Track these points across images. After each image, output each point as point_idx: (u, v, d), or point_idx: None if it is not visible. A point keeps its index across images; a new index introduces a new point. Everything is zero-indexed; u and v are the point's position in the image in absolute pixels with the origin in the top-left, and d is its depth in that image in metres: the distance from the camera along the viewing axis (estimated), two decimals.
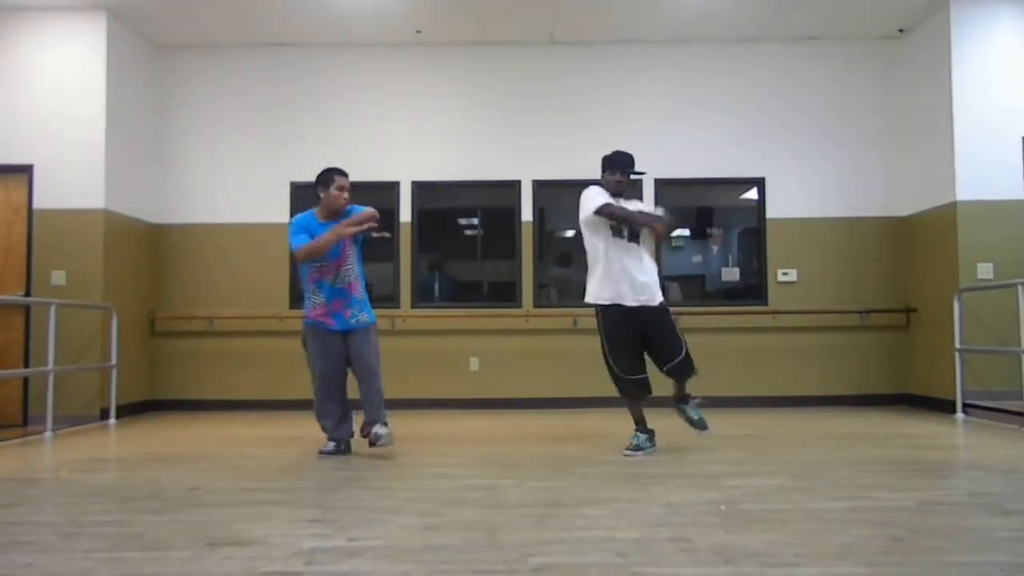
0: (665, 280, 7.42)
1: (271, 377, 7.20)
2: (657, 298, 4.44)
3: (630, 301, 4.38)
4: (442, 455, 4.57)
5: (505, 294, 7.43)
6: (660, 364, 4.45)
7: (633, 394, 4.47)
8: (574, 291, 6.68)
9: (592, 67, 7.47)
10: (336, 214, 4.52)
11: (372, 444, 4.42)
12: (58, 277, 6.46)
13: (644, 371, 4.45)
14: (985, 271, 6.41)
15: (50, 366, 5.79)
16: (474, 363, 7.28)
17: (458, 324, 7.25)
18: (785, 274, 7.31)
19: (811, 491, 3.42)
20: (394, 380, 7.11)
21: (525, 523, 2.87)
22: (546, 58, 7.49)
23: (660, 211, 4.60)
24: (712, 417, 6.11)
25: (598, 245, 4.47)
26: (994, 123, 6.50)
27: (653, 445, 4.52)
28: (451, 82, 7.54)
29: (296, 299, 7.27)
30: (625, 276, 4.39)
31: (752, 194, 7.51)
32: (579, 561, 2.39)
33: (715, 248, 7.76)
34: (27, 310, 6.41)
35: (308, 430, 4.86)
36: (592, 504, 3.19)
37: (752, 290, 7.46)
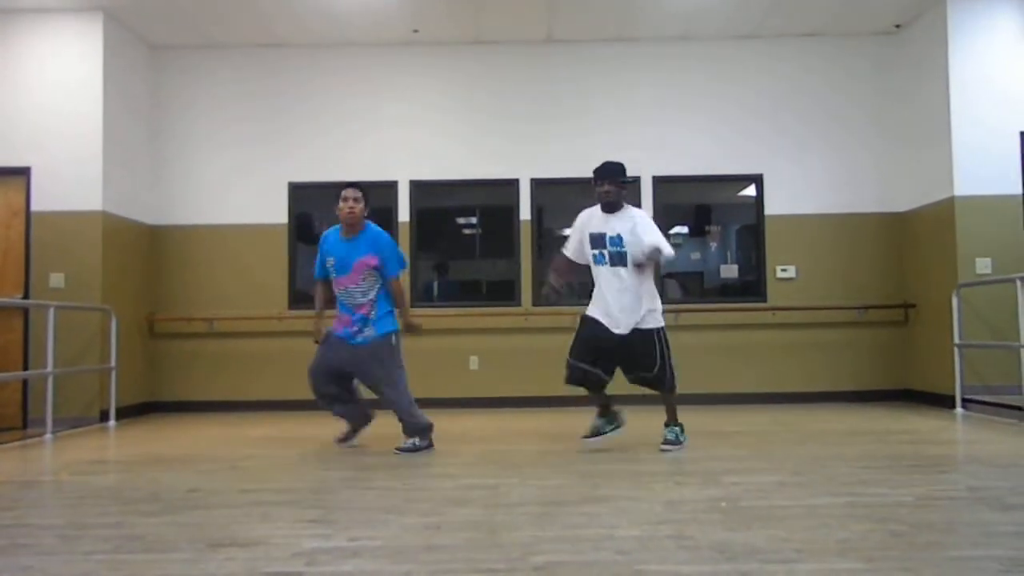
0: (664, 278, 7.47)
1: (271, 378, 7.20)
2: (632, 327, 4.39)
3: (611, 327, 4.42)
4: (443, 454, 4.57)
5: (504, 293, 7.43)
6: (627, 374, 4.55)
7: (575, 380, 4.47)
8: (574, 289, 6.68)
9: (590, 65, 7.46)
10: (351, 228, 4.63)
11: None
12: (56, 279, 6.46)
13: (592, 365, 4.42)
14: (983, 266, 6.41)
15: (49, 368, 5.78)
16: (473, 362, 7.29)
17: (457, 323, 7.25)
18: (784, 270, 7.32)
19: (811, 487, 3.42)
20: None
21: (526, 522, 2.88)
22: (544, 56, 7.49)
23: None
24: (713, 415, 6.09)
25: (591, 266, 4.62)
26: (991, 118, 6.50)
27: (614, 426, 4.56)
28: (449, 81, 7.53)
29: (295, 300, 7.30)
30: (602, 302, 4.46)
31: (750, 191, 7.51)
32: (581, 559, 2.40)
33: (714, 245, 7.77)
34: (26, 312, 6.40)
35: (309, 431, 4.86)
36: (593, 502, 3.19)
37: (751, 287, 7.46)
